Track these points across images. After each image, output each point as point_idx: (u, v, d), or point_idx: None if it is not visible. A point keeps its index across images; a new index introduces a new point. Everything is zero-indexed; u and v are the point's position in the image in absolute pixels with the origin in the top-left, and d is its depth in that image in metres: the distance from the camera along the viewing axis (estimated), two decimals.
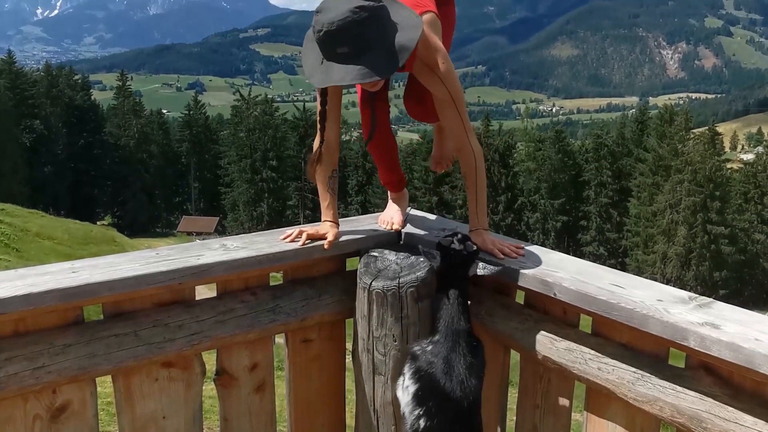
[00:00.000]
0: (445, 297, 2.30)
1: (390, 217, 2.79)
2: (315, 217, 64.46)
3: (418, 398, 2.21)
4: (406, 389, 2.24)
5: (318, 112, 2.52)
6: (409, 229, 2.77)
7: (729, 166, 60.08)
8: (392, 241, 2.70)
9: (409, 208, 3.01)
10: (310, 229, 2.58)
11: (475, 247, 2.35)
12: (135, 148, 74.15)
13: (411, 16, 2.21)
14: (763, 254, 54.58)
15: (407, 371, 2.26)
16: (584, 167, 63.53)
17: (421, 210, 3.14)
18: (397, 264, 2.48)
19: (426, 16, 2.40)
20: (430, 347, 2.26)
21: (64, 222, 39.77)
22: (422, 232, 2.73)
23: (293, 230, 2.58)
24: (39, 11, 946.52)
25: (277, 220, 64.64)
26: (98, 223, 63.35)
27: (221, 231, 69.02)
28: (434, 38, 2.40)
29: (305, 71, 2.23)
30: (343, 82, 2.12)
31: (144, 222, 72.45)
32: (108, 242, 37.19)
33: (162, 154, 78.70)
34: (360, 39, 2.07)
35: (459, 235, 2.36)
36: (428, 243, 2.50)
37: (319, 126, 2.55)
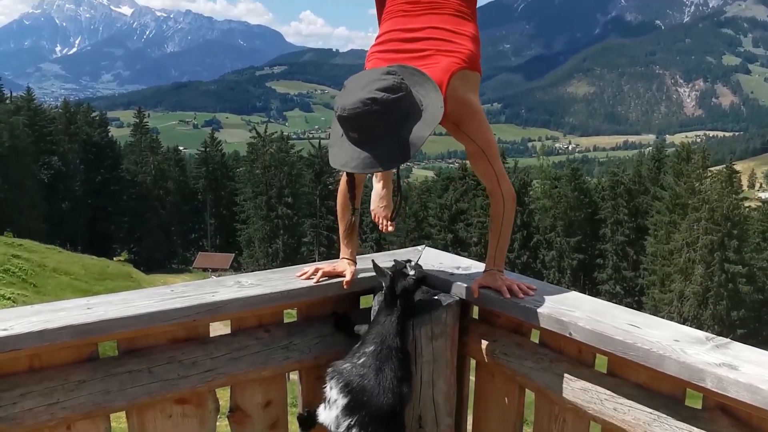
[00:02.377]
0: (386, 313, 2.31)
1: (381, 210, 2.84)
2: (330, 254, 64.63)
3: (350, 409, 2.21)
4: (333, 404, 2.24)
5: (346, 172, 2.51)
6: (423, 266, 2.77)
7: (747, 204, 59.69)
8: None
9: (422, 246, 3.01)
10: (326, 266, 2.60)
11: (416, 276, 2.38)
12: (152, 184, 74.70)
13: (435, 104, 2.18)
14: None
15: (333, 387, 2.25)
16: (600, 205, 63.38)
17: (436, 247, 3.15)
18: None
19: (458, 74, 2.40)
20: (362, 359, 2.27)
21: (81, 258, 40.00)
22: (436, 270, 2.72)
23: (310, 267, 2.60)
24: (58, 49, 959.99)
25: (292, 256, 64.69)
26: (115, 259, 63.53)
27: (237, 267, 69.07)
28: (464, 94, 2.42)
29: (330, 138, 2.25)
30: (346, 168, 2.14)
31: (160, 258, 72.66)
32: (124, 278, 37.31)
33: (178, 191, 79.18)
34: (369, 130, 2.07)
35: (412, 263, 2.40)
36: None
37: (346, 178, 2.55)
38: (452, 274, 2.66)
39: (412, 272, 2.36)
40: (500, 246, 2.56)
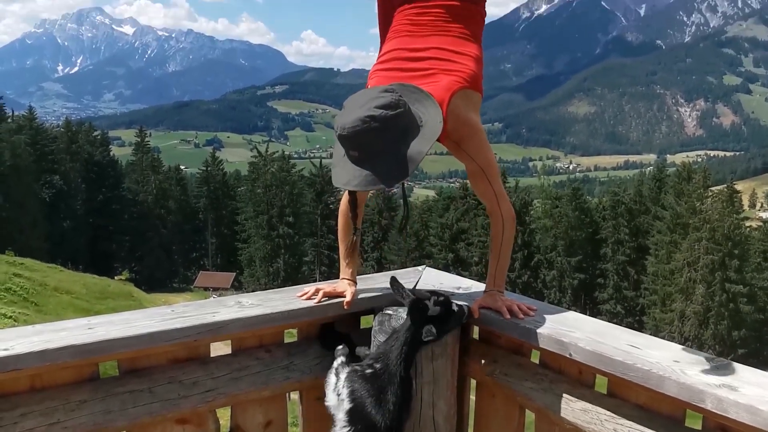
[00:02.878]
0: (397, 338, 2.31)
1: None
2: (331, 273, 64.55)
3: (351, 416, 2.23)
4: (342, 401, 2.25)
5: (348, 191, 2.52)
6: (423, 286, 2.77)
7: (748, 224, 59.67)
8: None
9: (423, 267, 3.02)
10: (327, 287, 2.60)
11: (438, 311, 2.34)
12: (153, 203, 74.81)
13: (435, 120, 2.21)
14: None
15: (346, 386, 2.27)
16: (601, 225, 63.39)
17: (437, 267, 3.16)
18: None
19: (459, 93, 2.42)
20: (369, 371, 2.27)
21: (82, 277, 40.01)
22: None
23: (310, 288, 2.60)
24: (60, 68, 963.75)
25: (293, 275, 64.66)
26: (116, 278, 63.60)
27: (238, 286, 69.07)
28: (465, 113, 2.44)
29: (333, 159, 2.27)
30: (348, 186, 2.15)
31: (161, 277, 72.64)
32: (125, 297, 37.31)
33: (180, 210, 79.28)
34: (368, 147, 2.10)
35: (441, 298, 2.35)
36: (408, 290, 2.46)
37: (348, 197, 2.57)
38: (453, 294, 2.67)
39: (434, 308, 2.33)
40: (500, 266, 2.57)
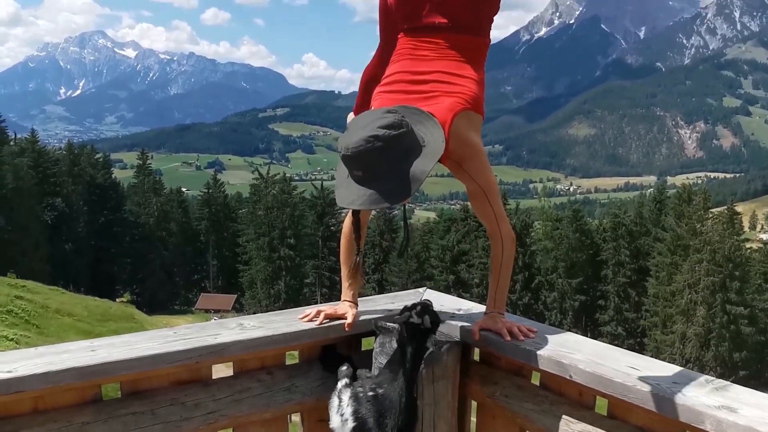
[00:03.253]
0: (398, 366, 2.31)
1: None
2: (332, 295, 64.42)
3: None
4: (345, 423, 2.27)
5: (352, 211, 2.55)
6: None
7: (748, 245, 59.61)
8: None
9: (424, 288, 3.03)
10: (328, 309, 2.62)
11: (430, 322, 2.37)
12: (155, 225, 74.82)
13: (437, 140, 2.23)
14: None
15: (350, 408, 2.28)
16: (602, 246, 63.31)
17: (438, 289, 3.17)
18: None
19: (461, 114, 2.44)
20: (371, 393, 2.28)
21: (84, 299, 39.96)
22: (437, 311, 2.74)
23: (312, 310, 2.62)
24: (62, 91, 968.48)
25: (294, 297, 64.55)
26: (117, 300, 63.55)
27: (239, 308, 68.96)
28: (467, 134, 2.46)
29: (336, 180, 2.29)
30: (353, 205, 2.18)
31: (163, 299, 72.51)
32: (127, 319, 37.30)
33: (181, 232, 79.28)
34: (372, 166, 2.12)
35: (417, 308, 2.38)
36: (387, 319, 2.49)
37: (352, 218, 2.60)
38: (453, 316, 2.68)
39: (417, 320, 2.36)
40: (500, 288, 2.58)
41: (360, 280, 2.67)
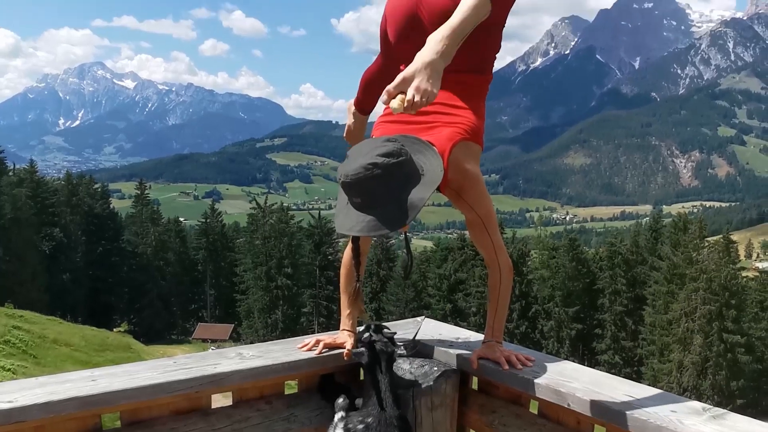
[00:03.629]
0: (375, 391, 2.33)
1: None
2: (329, 325, 64.19)
3: None
4: None
5: (351, 238, 2.56)
6: (423, 336, 2.80)
7: (744, 274, 59.50)
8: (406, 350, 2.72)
9: (422, 318, 3.05)
10: (327, 338, 2.63)
11: (390, 333, 2.42)
12: (152, 255, 74.62)
13: (435, 169, 2.25)
14: None
15: None
16: (598, 275, 63.21)
17: (435, 317, 3.18)
18: (411, 373, 2.50)
19: (460, 144, 2.48)
20: (360, 426, 2.28)
21: (81, 329, 39.78)
22: (436, 341, 2.75)
23: (311, 339, 2.63)
24: (61, 122, 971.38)
25: (291, 327, 64.27)
26: (115, 329, 63.34)
27: (236, 338, 68.70)
28: (466, 164, 2.49)
29: (336, 207, 2.31)
30: (352, 232, 2.18)
31: (160, 329, 72.16)
32: (124, 349, 37.13)
33: (179, 262, 79.07)
34: (371, 194, 2.13)
35: (372, 326, 2.43)
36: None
37: (352, 245, 2.62)
38: (452, 344, 2.69)
39: (376, 336, 2.40)
40: (498, 317, 2.60)
41: (359, 307, 2.69)
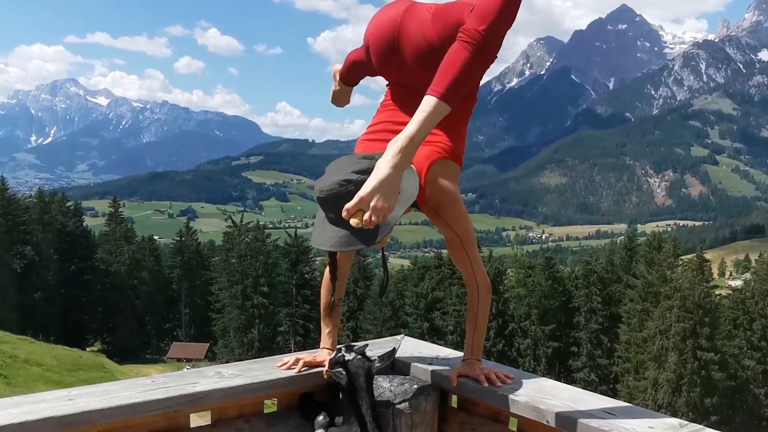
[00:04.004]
0: (355, 410, 2.34)
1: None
2: (306, 343, 63.88)
3: None
4: None
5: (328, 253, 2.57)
6: (402, 355, 2.80)
7: (718, 292, 59.88)
8: (385, 368, 2.72)
9: (401, 336, 3.05)
10: (306, 356, 2.63)
11: (362, 348, 2.44)
12: (126, 274, 73.92)
13: (411, 187, 2.26)
14: (753, 380, 53.98)
15: None
16: (574, 294, 63.48)
17: (413, 336, 3.19)
18: (390, 391, 2.50)
19: (438, 162, 2.52)
20: None
21: (53, 348, 39.37)
22: (416, 358, 2.75)
23: (290, 357, 2.63)
24: (33, 138, 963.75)
25: (267, 346, 63.91)
26: (88, 349, 62.63)
27: (212, 357, 68.22)
28: (443, 182, 2.51)
29: (314, 222, 2.34)
30: (324, 246, 2.20)
31: (134, 348, 71.48)
32: (97, 368, 36.77)
33: (153, 281, 78.45)
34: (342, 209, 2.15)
35: (343, 347, 2.46)
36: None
37: (328, 260, 2.63)
38: (431, 362, 2.70)
39: (351, 355, 2.42)
40: (477, 335, 2.61)
41: (336, 321, 2.72)
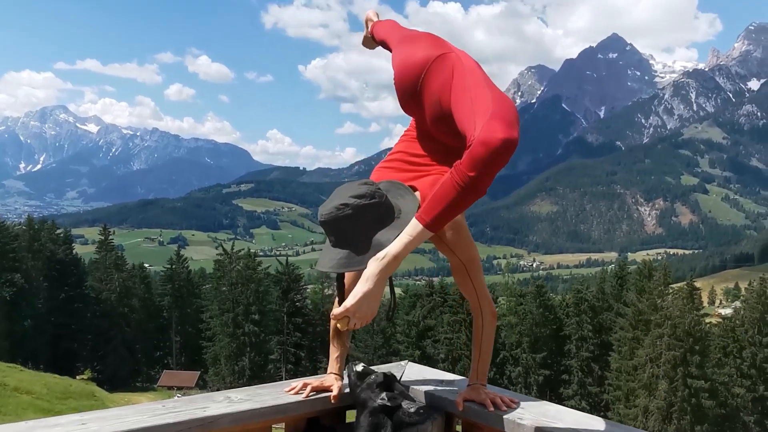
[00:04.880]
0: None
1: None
2: (297, 371, 63.57)
3: None
4: None
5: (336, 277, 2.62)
6: (407, 380, 2.83)
7: (708, 320, 59.97)
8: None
9: (406, 362, 3.09)
10: (314, 381, 2.67)
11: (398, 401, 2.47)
12: (116, 302, 73.54)
13: (410, 213, 2.32)
14: (743, 408, 53.95)
15: None
16: (565, 321, 63.45)
17: None
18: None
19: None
20: None
21: (43, 376, 39.12)
22: (419, 384, 2.79)
23: (298, 382, 2.67)
24: (22, 165, 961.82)
25: (258, 374, 63.56)
26: (78, 377, 62.27)
27: (202, 385, 67.80)
28: None
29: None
30: (323, 268, 2.29)
31: (124, 376, 70.96)
32: (88, 397, 36.54)
33: (143, 308, 78.01)
34: (342, 232, 2.26)
35: (379, 389, 2.48)
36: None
37: (336, 283, 2.67)
38: (436, 387, 2.73)
39: (390, 403, 2.44)
40: (482, 360, 2.67)
41: (344, 345, 2.78)
